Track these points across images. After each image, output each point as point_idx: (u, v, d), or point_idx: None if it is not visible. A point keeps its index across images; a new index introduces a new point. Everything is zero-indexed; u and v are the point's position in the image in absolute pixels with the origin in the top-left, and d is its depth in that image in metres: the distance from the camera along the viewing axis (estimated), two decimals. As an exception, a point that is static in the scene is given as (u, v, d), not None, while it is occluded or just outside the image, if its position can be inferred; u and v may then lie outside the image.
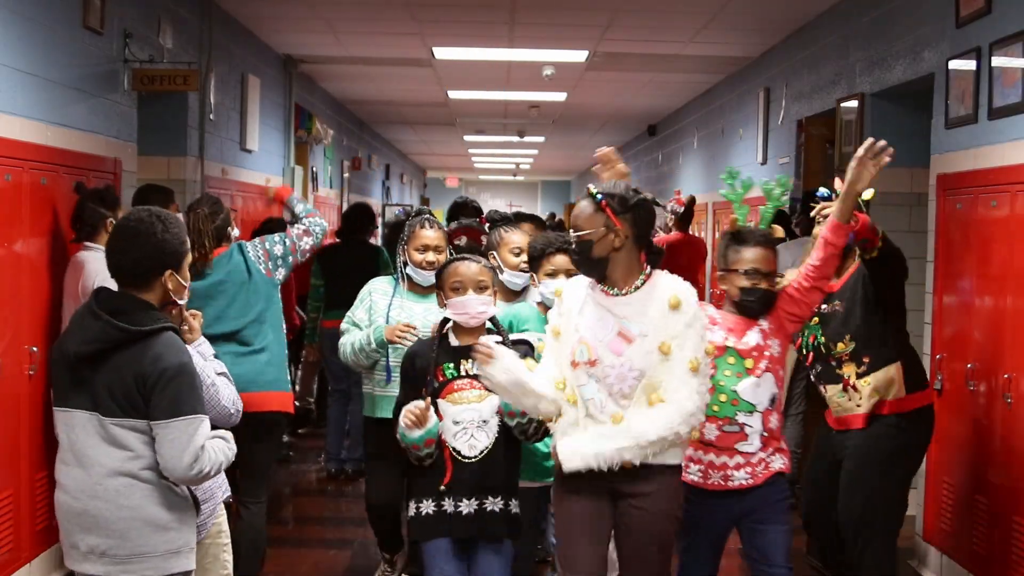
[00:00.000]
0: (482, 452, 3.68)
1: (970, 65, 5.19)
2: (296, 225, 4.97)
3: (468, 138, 18.71)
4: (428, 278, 4.55)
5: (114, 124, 5.91)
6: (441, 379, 3.73)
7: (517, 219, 5.60)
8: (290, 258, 4.84)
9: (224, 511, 3.71)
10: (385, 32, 8.87)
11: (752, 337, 3.87)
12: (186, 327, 3.58)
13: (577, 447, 3.36)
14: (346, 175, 14.11)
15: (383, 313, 4.61)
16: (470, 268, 3.81)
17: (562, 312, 3.51)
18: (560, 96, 12.44)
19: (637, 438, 3.32)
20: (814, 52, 7.80)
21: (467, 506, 3.66)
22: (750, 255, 3.85)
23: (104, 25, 5.72)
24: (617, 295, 3.44)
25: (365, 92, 12.74)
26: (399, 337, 4.44)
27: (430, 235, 4.61)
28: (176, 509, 3.15)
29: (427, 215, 4.69)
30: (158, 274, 3.15)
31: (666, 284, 3.44)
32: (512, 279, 4.67)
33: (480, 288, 3.78)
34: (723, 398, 3.80)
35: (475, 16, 8.20)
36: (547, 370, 3.52)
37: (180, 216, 5.19)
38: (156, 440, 3.08)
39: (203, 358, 3.54)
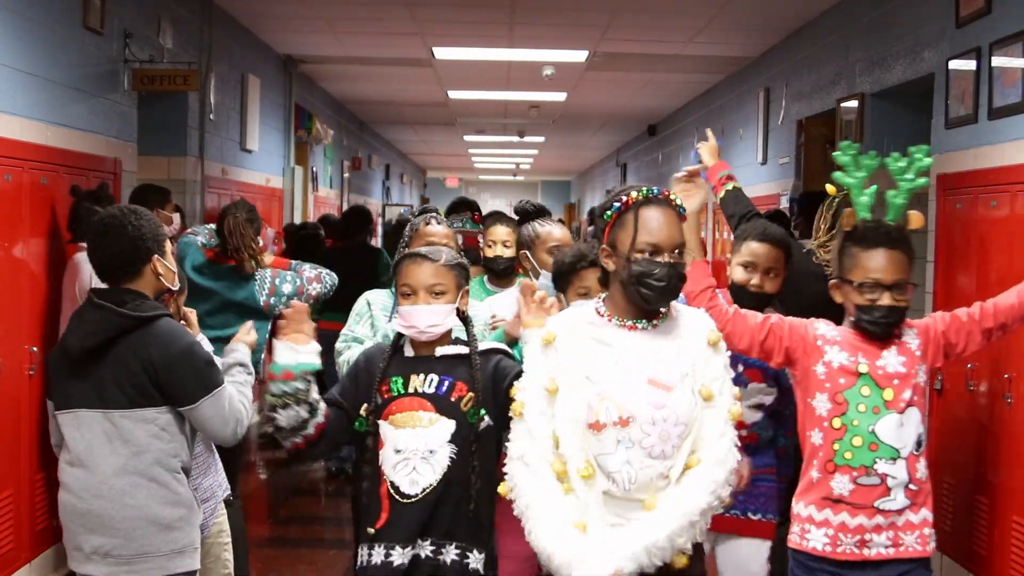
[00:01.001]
0: (425, 490, 2.89)
1: (970, 65, 5.19)
2: (309, 268, 4.95)
3: (468, 138, 18.71)
4: None
5: (114, 124, 5.91)
6: (386, 395, 2.97)
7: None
8: (295, 300, 4.80)
9: (224, 511, 3.72)
10: (385, 32, 8.87)
11: (891, 359, 3.08)
12: (183, 323, 3.59)
13: (606, 549, 2.63)
14: (346, 175, 14.11)
15: (385, 334, 3.76)
16: (421, 268, 3.01)
17: (560, 361, 2.73)
18: (560, 96, 12.44)
19: (688, 514, 2.65)
20: (814, 52, 7.79)
21: (399, 556, 2.87)
22: (871, 262, 3.04)
23: (104, 25, 5.71)
24: (645, 329, 2.74)
25: (365, 92, 12.74)
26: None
27: (438, 231, 3.91)
28: (180, 508, 3.17)
29: (433, 212, 4.06)
30: (144, 261, 3.19)
31: (692, 315, 2.82)
32: (551, 283, 3.71)
33: (435, 294, 2.99)
34: (858, 441, 3.03)
35: (475, 16, 8.19)
36: (541, 455, 2.72)
37: (175, 216, 5.22)
38: (194, 421, 3.16)
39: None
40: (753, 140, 9.46)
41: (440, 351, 3.01)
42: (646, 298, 2.69)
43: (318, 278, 4.93)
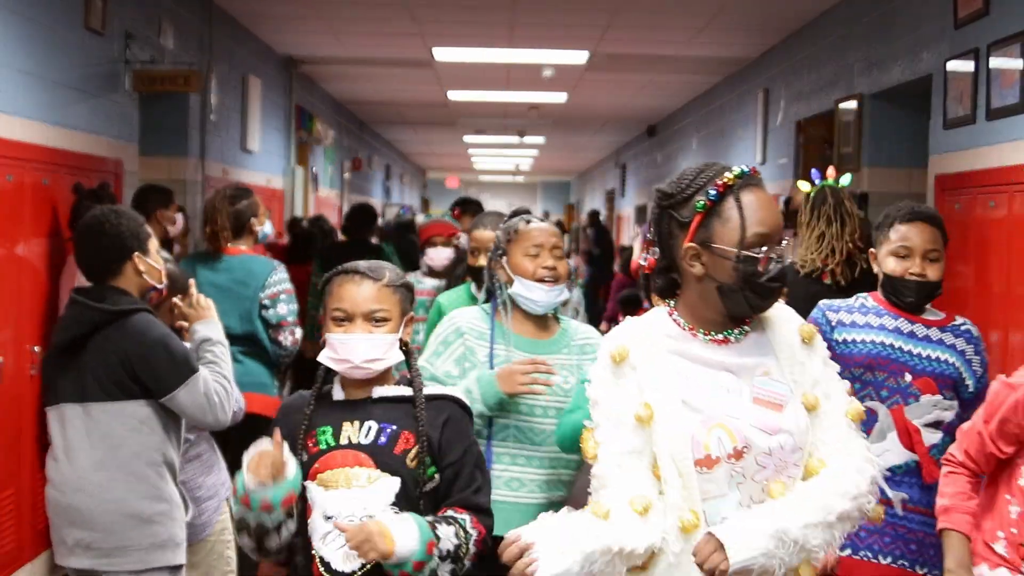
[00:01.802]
0: (364, 568, 2.32)
1: (968, 66, 5.21)
2: (294, 332, 4.77)
3: (468, 138, 18.73)
4: (550, 299, 3.09)
5: (115, 125, 5.92)
6: (313, 450, 2.41)
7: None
8: (271, 321, 4.71)
9: (228, 509, 3.73)
10: (385, 32, 8.88)
11: None
12: (186, 324, 3.50)
13: (734, 532, 2.02)
14: (346, 176, 14.13)
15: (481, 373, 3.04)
16: (360, 288, 2.42)
17: (641, 382, 2.13)
18: (560, 97, 12.46)
19: (826, 511, 2.06)
20: (813, 53, 7.81)
21: None
22: None
23: (105, 26, 5.73)
24: (738, 340, 2.18)
25: (365, 92, 12.75)
26: (526, 385, 2.92)
27: (545, 229, 3.14)
28: (161, 503, 3.20)
29: (525, 212, 3.27)
30: (125, 258, 3.24)
31: (777, 312, 2.24)
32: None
33: (375, 321, 2.42)
34: None
35: (475, 16, 8.21)
36: (625, 489, 2.10)
37: (179, 217, 5.22)
38: (175, 410, 3.21)
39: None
40: (752, 141, 9.48)
41: (378, 392, 2.44)
42: (753, 304, 2.13)
43: (295, 342, 4.78)
